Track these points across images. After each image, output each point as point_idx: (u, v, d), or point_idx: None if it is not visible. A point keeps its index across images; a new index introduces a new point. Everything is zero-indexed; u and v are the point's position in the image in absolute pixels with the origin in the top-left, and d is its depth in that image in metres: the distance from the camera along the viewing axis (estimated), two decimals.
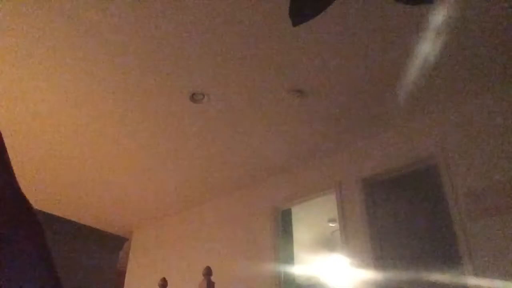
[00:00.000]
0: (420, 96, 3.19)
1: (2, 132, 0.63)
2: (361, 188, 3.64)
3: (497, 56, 2.81)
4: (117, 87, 3.14)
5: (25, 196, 0.61)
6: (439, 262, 3.01)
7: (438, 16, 2.47)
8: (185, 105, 3.33)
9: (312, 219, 5.16)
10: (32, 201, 0.65)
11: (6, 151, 0.61)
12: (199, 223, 4.98)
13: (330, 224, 5.25)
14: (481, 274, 2.72)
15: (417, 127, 3.48)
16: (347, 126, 3.62)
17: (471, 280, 2.75)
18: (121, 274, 5.38)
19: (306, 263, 5.73)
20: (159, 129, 3.66)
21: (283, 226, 4.24)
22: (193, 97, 3.24)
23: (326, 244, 5.73)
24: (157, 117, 3.49)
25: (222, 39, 2.71)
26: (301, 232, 5.12)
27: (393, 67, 2.90)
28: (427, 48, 2.71)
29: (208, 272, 2.72)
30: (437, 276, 2.87)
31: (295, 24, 1.52)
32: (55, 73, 3.00)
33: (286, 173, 4.30)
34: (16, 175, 0.67)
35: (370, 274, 3.26)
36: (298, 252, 4.80)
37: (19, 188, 0.61)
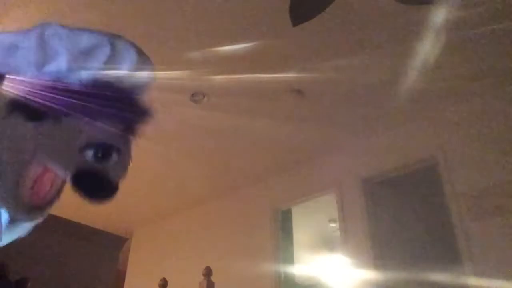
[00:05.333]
0: (420, 96, 3.19)
1: None
2: (361, 188, 3.63)
3: (497, 56, 2.81)
4: None
5: None
6: (439, 262, 3.01)
7: (438, 16, 2.47)
8: (185, 105, 3.33)
9: (312, 219, 5.15)
10: None
11: None
12: (199, 223, 4.97)
13: (330, 224, 5.25)
14: (481, 274, 2.72)
15: (417, 127, 3.48)
16: (347, 126, 3.62)
17: (471, 280, 2.74)
18: (121, 274, 5.37)
19: (306, 263, 5.73)
20: (158, 129, 3.65)
21: (283, 226, 4.23)
22: (193, 97, 3.24)
23: (326, 244, 5.73)
24: (157, 117, 3.49)
25: (222, 39, 2.71)
26: (301, 232, 5.11)
27: (393, 67, 2.90)
28: (427, 48, 2.71)
29: (208, 272, 2.72)
30: (437, 276, 2.87)
31: (295, 24, 1.52)
32: None
33: (286, 173, 4.30)
34: None
35: (370, 274, 3.25)
36: (298, 252, 4.80)
37: None
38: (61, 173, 0.61)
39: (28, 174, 0.58)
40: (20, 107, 0.58)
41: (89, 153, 0.61)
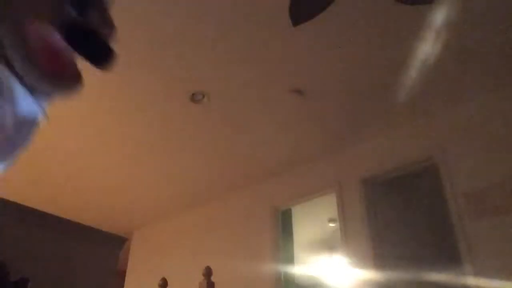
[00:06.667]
0: (420, 96, 3.19)
1: None
2: (361, 188, 3.63)
3: (497, 56, 2.81)
4: (117, 87, 3.14)
5: None
6: (439, 262, 3.01)
7: (438, 16, 2.47)
8: (185, 105, 3.33)
9: (312, 219, 5.16)
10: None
11: None
12: (199, 223, 4.97)
13: (330, 224, 5.25)
14: (481, 274, 2.72)
15: (417, 128, 3.48)
16: (347, 126, 3.62)
17: (471, 280, 2.74)
18: (121, 274, 5.37)
19: (306, 263, 5.73)
20: (159, 129, 3.66)
21: (283, 226, 4.24)
22: (193, 97, 3.24)
23: (326, 244, 5.73)
24: (157, 117, 3.49)
25: (222, 39, 2.71)
26: (301, 232, 5.11)
27: (393, 67, 2.90)
28: (427, 48, 2.71)
29: (208, 272, 2.72)
30: (437, 276, 2.87)
31: (295, 24, 1.52)
32: None
33: (286, 173, 4.30)
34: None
35: (370, 274, 3.25)
36: (298, 252, 4.80)
37: None
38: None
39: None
40: None
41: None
